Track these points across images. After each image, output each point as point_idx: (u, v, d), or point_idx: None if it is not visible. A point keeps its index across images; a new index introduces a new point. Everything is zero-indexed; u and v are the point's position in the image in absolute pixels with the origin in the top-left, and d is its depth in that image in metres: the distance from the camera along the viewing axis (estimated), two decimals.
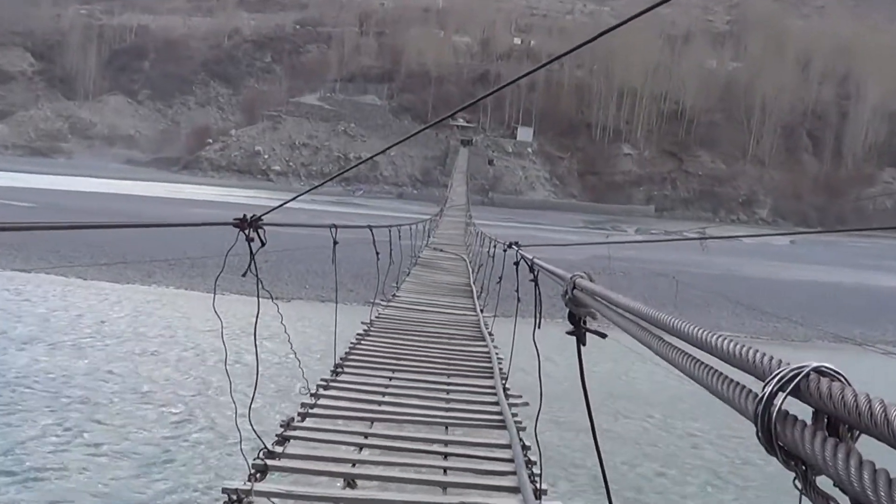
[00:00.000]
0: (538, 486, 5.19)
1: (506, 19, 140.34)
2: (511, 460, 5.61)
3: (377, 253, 11.21)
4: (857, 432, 1.11)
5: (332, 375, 7.95)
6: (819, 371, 1.16)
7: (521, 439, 5.98)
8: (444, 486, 5.38)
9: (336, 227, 8.03)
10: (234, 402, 5.11)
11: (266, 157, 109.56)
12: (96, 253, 30.23)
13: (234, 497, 4.62)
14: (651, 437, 15.40)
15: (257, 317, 5.09)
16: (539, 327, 5.22)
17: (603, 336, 3.11)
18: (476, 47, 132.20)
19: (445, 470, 5.59)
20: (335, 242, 8.05)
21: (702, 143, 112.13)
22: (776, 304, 31.60)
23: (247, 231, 4.53)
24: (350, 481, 5.49)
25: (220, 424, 13.40)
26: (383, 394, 7.46)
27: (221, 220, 4.51)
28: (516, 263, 7.37)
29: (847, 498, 1.04)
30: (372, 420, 6.64)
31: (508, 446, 5.94)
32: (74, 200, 52.56)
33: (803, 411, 1.19)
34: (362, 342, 9.71)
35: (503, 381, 8.07)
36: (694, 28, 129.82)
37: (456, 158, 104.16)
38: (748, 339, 25.07)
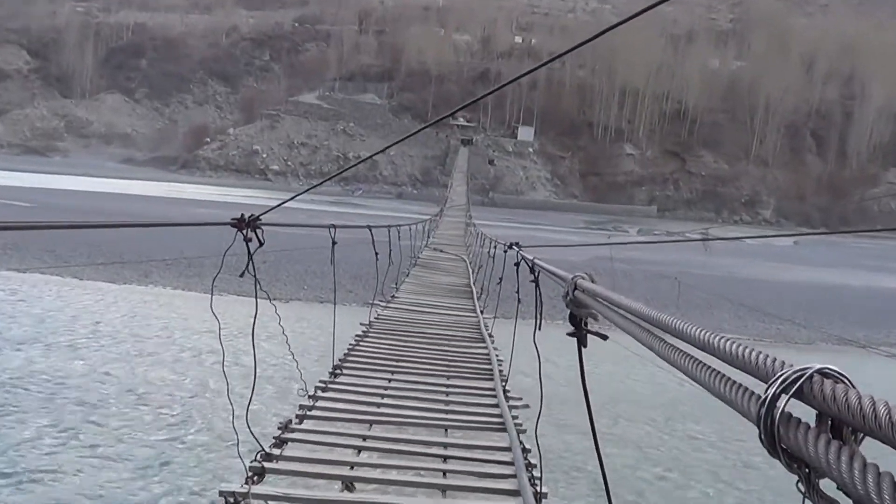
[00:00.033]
0: (538, 489, 5.19)
1: (507, 17, 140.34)
2: (511, 463, 5.60)
3: (376, 253, 11.21)
4: (861, 435, 1.10)
5: (330, 377, 7.95)
6: (822, 373, 1.16)
7: (521, 442, 5.98)
8: (444, 489, 5.38)
9: (335, 227, 8.04)
10: (232, 404, 5.11)
11: (264, 156, 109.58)
12: (93, 253, 30.23)
13: (231, 500, 4.61)
14: (652, 440, 15.39)
15: (255, 318, 5.08)
16: (540, 329, 5.22)
17: (604, 338, 3.11)
18: (476, 46, 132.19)
19: (445, 473, 5.59)
20: (334, 243, 8.04)
21: (704, 143, 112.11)
22: (779, 305, 31.59)
23: (245, 231, 4.53)
24: (348, 484, 5.48)
25: (217, 426, 13.40)
26: (382, 396, 7.45)
27: (219, 220, 4.51)
28: (517, 264, 7.37)
29: (851, 501, 1.04)
30: (371, 422, 6.64)
31: (508, 449, 5.94)
32: (70, 200, 52.57)
33: (806, 413, 1.19)
34: (361, 344, 9.70)
35: (503, 384, 8.06)
36: (697, 27, 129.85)
37: (456, 158, 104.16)
38: (751, 340, 25.06)
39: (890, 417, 1.00)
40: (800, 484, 1.19)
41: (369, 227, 10.92)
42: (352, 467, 5.57)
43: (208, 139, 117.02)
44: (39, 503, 10.44)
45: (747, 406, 1.35)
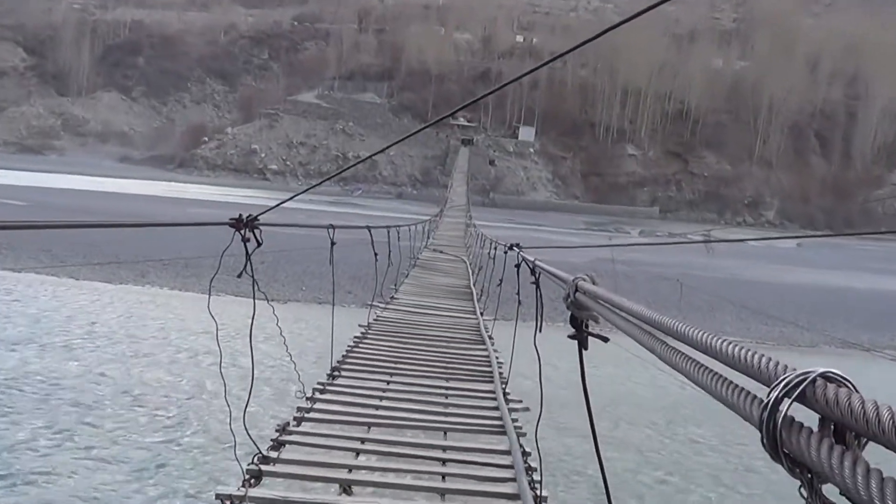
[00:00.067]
0: (538, 493, 5.19)
1: (508, 16, 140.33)
2: (511, 467, 5.60)
3: (375, 254, 11.22)
4: (865, 440, 1.10)
5: (328, 379, 7.95)
6: (826, 377, 1.16)
7: (521, 445, 5.98)
8: (443, 492, 5.38)
9: (334, 227, 8.04)
10: (229, 406, 5.11)
11: (263, 155, 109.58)
12: (89, 252, 30.23)
13: (228, 503, 4.61)
14: (653, 444, 15.39)
15: (253, 319, 5.09)
16: (540, 331, 5.22)
17: (605, 340, 3.11)
18: (477, 45, 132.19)
19: (444, 476, 5.59)
20: (333, 243, 8.05)
21: (707, 143, 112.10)
22: (782, 308, 31.60)
23: (243, 231, 4.53)
24: (346, 487, 5.48)
25: (214, 428, 13.39)
26: (381, 398, 7.46)
27: (217, 220, 4.52)
28: (517, 266, 7.38)
29: None
30: (369, 425, 6.64)
31: (508, 452, 5.94)
32: (67, 199, 52.58)
33: (809, 418, 1.19)
34: (360, 345, 9.71)
35: (503, 386, 8.07)
36: (700, 26, 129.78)
37: (456, 158, 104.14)
38: (753, 343, 25.06)
39: (893, 422, 1.00)
40: (802, 489, 1.19)
41: (368, 228, 10.93)
42: (350, 470, 5.57)
43: (206, 138, 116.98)
44: None
45: (749, 410, 1.35)
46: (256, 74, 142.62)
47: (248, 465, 5.10)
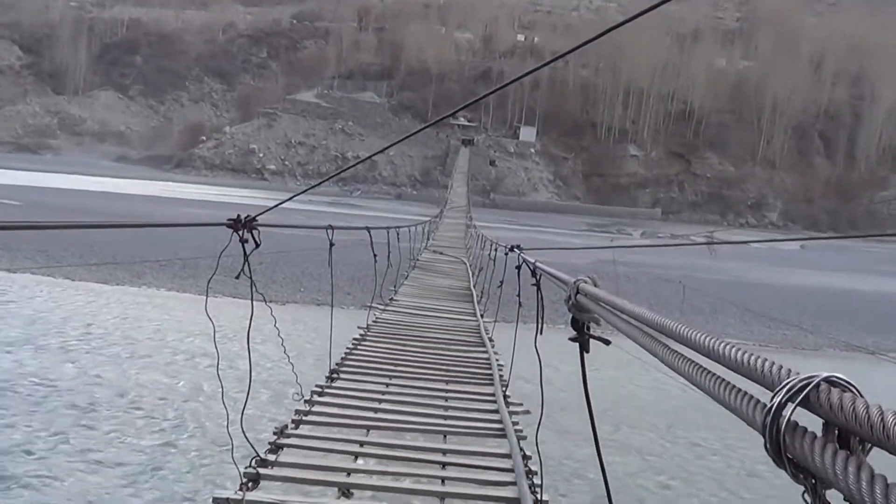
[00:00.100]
0: (539, 497, 5.19)
1: (509, 15, 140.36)
2: (511, 470, 5.60)
3: (375, 255, 11.21)
4: (869, 445, 1.10)
5: (327, 381, 7.95)
6: (830, 381, 1.16)
7: (521, 449, 5.98)
8: (442, 496, 5.38)
9: (333, 228, 8.04)
10: (226, 409, 5.11)
11: (261, 155, 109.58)
12: (85, 253, 30.23)
13: None
14: (655, 447, 15.39)
15: (251, 320, 5.09)
16: (541, 333, 5.22)
17: (607, 343, 3.11)
18: (478, 44, 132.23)
19: (443, 480, 5.58)
20: (331, 244, 8.05)
21: (710, 144, 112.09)
22: (786, 310, 31.61)
23: (241, 232, 4.53)
24: (345, 491, 5.48)
25: (211, 431, 13.39)
26: (380, 401, 7.45)
27: (214, 221, 4.52)
28: (518, 267, 7.38)
29: None
30: (368, 428, 6.64)
31: (508, 456, 5.93)
32: (63, 198, 52.59)
33: (813, 423, 1.19)
34: (359, 347, 9.70)
35: (503, 389, 8.06)
36: (703, 26, 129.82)
37: (456, 158, 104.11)
38: (756, 347, 25.07)
39: None
40: (806, 494, 1.19)
41: (368, 229, 10.93)
42: (348, 474, 5.57)
43: (204, 137, 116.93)
44: None
45: (752, 414, 1.35)
46: (255, 73, 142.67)
47: (246, 468, 5.10)
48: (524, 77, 4.21)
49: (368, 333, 10.60)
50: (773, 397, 1.22)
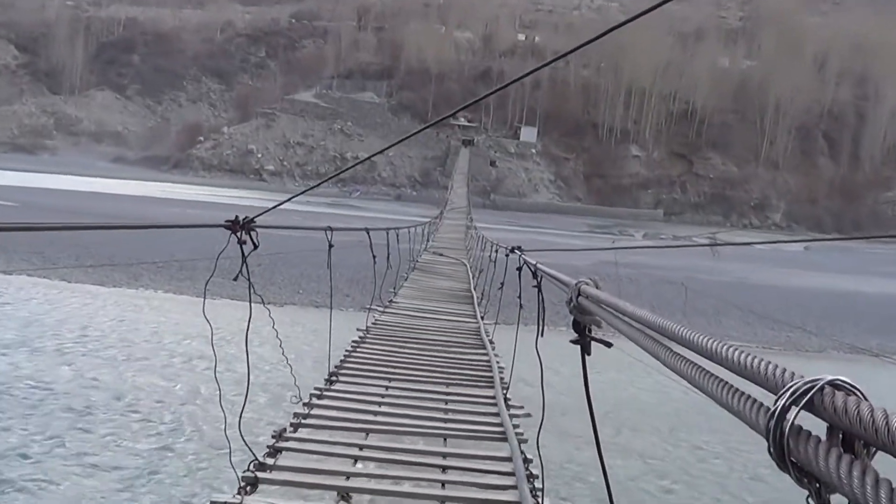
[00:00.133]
0: (540, 500, 5.19)
1: (509, 14, 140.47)
2: (512, 474, 5.60)
3: (374, 257, 11.21)
4: (874, 449, 1.10)
5: (325, 384, 7.95)
6: (834, 384, 1.16)
7: (522, 452, 5.98)
8: (442, 500, 5.38)
9: (332, 229, 8.03)
10: (224, 412, 5.10)
11: (259, 156, 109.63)
12: (81, 254, 30.23)
13: None
14: (657, 451, 15.38)
15: (249, 322, 5.09)
16: (542, 335, 5.22)
17: (608, 345, 3.11)
18: (478, 43, 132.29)
19: (444, 484, 5.58)
20: (330, 245, 8.05)
21: (713, 144, 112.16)
22: (789, 312, 31.61)
23: (239, 233, 4.53)
24: (344, 495, 5.48)
25: (208, 435, 13.38)
26: (379, 404, 7.45)
27: (212, 222, 4.52)
28: (519, 269, 7.38)
29: None
30: (367, 431, 6.64)
31: (509, 459, 5.93)
32: (59, 199, 52.58)
33: (817, 426, 1.19)
34: (358, 350, 9.70)
35: (504, 392, 8.06)
36: (706, 25, 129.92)
37: (457, 159, 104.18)
38: (760, 349, 25.07)
39: None
40: (810, 499, 1.19)
41: (367, 230, 10.94)
42: (347, 478, 5.57)
43: (202, 138, 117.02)
44: None
45: (756, 418, 1.35)
46: (253, 73, 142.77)
47: (244, 471, 5.10)
48: (525, 77, 4.21)
49: (368, 336, 10.60)
50: (776, 401, 1.22)
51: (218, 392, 5.53)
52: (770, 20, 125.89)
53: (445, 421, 7.07)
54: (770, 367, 1.35)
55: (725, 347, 1.56)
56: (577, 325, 3.19)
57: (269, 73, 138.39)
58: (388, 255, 13.33)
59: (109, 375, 16.84)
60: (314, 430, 6.49)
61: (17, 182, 65.13)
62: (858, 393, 1.15)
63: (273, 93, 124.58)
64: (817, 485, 1.16)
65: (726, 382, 1.57)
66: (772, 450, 1.22)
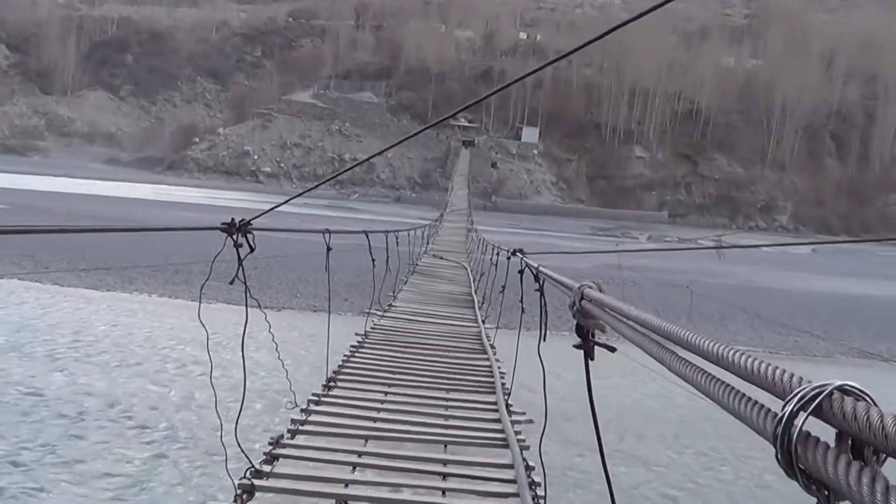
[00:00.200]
0: None
1: (511, 13, 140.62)
2: (514, 481, 5.59)
3: (373, 260, 11.21)
4: (884, 456, 1.10)
5: (323, 390, 7.94)
6: (843, 390, 1.16)
7: (524, 459, 5.97)
8: None
9: (329, 232, 8.03)
10: (220, 418, 5.10)
11: (256, 157, 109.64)
12: (74, 258, 30.23)
13: None
14: (662, 458, 15.38)
15: (245, 327, 5.08)
16: (544, 340, 5.22)
17: (612, 350, 3.11)
18: (479, 42, 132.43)
19: (444, 491, 5.57)
20: (328, 249, 8.05)
21: (718, 145, 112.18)
22: (796, 316, 31.60)
23: (235, 236, 4.53)
24: (342, 502, 5.47)
25: (204, 442, 13.38)
26: (378, 410, 7.45)
27: (208, 225, 4.52)
28: (521, 272, 7.38)
29: None
30: (366, 438, 6.63)
31: (511, 466, 5.93)
32: (51, 202, 52.56)
33: (825, 432, 1.19)
34: (356, 355, 9.69)
35: (506, 398, 8.06)
36: (710, 23, 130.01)
37: (457, 160, 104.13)
38: (766, 354, 25.07)
39: None
40: None
41: (366, 233, 10.94)
42: (346, 485, 5.56)
43: (197, 139, 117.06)
44: None
45: (763, 424, 1.35)
46: (249, 73, 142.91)
47: (240, 479, 5.09)
48: (527, 77, 4.21)
49: (367, 340, 10.59)
50: (784, 406, 1.22)
51: (214, 398, 5.54)
52: (776, 18, 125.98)
53: (446, 427, 7.06)
54: (777, 371, 1.35)
55: (731, 352, 1.57)
56: (580, 330, 3.19)
57: (266, 73, 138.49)
58: (388, 258, 13.33)
59: (102, 381, 16.84)
60: (312, 437, 6.48)
61: (7, 184, 65.06)
62: (868, 398, 1.15)
63: (269, 93, 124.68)
64: (826, 492, 1.16)
65: (732, 388, 1.57)
66: (779, 456, 1.22)
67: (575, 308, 3.12)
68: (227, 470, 5.19)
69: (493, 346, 10.89)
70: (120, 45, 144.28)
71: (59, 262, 29.62)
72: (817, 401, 1.17)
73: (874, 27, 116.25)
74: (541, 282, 5.60)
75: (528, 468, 5.79)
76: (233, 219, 4.56)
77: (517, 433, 6.79)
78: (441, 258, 25.07)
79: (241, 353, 5.22)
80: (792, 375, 1.31)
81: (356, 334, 10.89)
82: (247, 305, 4.85)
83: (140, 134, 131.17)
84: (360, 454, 6.18)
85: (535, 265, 6.03)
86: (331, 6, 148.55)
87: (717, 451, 15.78)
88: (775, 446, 1.22)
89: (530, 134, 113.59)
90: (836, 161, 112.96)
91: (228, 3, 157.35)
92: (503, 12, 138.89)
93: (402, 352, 10.08)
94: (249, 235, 4.59)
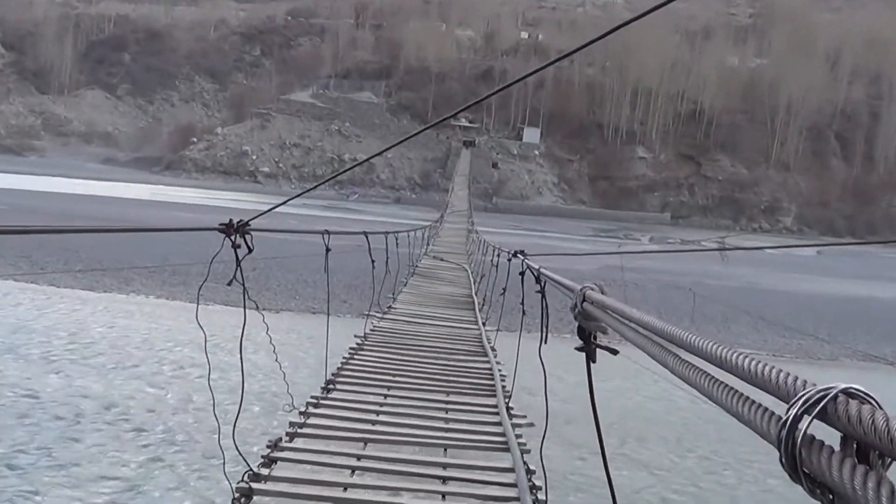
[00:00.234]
0: None
1: (512, 12, 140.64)
2: (514, 485, 5.60)
3: (373, 261, 11.21)
4: (889, 459, 1.10)
5: (322, 392, 7.95)
6: (847, 393, 1.16)
7: (524, 463, 5.98)
8: None
9: (329, 233, 8.04)
10: (218, 421, 5.10)
11: (254, 157, 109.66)
12: (70, 259, 30.23)
13: None
14: (664, 462, 15.36)
15: (243, 329, 5.08)
16: (546, 342, 5.22)
17: (614, 352, 3.11)
18: (480, 42, 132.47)
19: (444, 495, 5.58)
20: (328, 250, 8.05)
21: (722, 145, 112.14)
22: (801, 319, 31.58)
23: (233, 237, 4.53)
24: None
25: (201, 445, 13.37)
26: (377, 413, 7.45)
27: (206, 225, 4.52)
28: (522, 274, 7.38)
29: None
30: (365, 441, 6.63)
31: (511, 470, 5.93)
32: (48, 202, 52.56)
33: (830, 436, 1.19)
34: (355, 357, 9.70)
35: (506, 400, 8.06)
36: (714, 22, 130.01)
37: (457, 161, 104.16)
38: (770, 356, 25.05)
39: None
40: None
41: (365, 234, 10.95)
42: (345, 488, 5.57)
43: (195, 139, 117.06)
44: None
45: (767, 427, 1.34)
46: (248, 72, 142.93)
47: (238, 482, 5.09)
48: (528, 76, 4.21)
49: (366, 343, 10.60)
50: (788, 409, 1.22)
51: (211, 401, 5.54)
52: (780, 17, 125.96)
53: (446, 430, 7.07)
54: (781, 374, 1.35)
55: (735, 355, 1.56)
56: (581, 332, 3.19)
57: (265, 73, 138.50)
58: (388, 259, 13.33)
59: (99, 384, 16.83)
60: (311, 440, 6.49)
61: (3, 184, 65.08)
62: (873, 401, 1.14)
63: (268, 92, 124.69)
64: (831, 496, 1.16)
65: (736, 391, 1.57)
66: (783, 460, 1.21)
67: (577, 310, 3.12)
68: (224, 473, 5.18)
69: (493, 349, 10.90)
70: (117, 43, 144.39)
71: (55, 262, 29.62)
72: (822, 404, 1.17)
73: (879, 26, 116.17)
74: (542, 283, 5.60)
75: (529, 472, 5.79)
76: (231, 219, 4.56)
77: (518, 436, 6.79)
78: (441, 259, 25.10)
79: (239, 356, 5.22)
80: (796, 378, 1.31)
81: (355, 336, 10.89)
82: (245, 307, 4.85)
83: (137, 133, 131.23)
84: (359, 457, 6.18)
85: (537, 267, 6.03)
86: (330, 5, 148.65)
87: (720, 454, 15.77)
88: (779, 450, 1.22)
89: (531, 134, 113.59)
90: (840, 161, 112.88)
91: (227, 1, 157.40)
92: (504, 11, 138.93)
93: (402, 354, 10.09)
94: (248, 236, 4.59)
